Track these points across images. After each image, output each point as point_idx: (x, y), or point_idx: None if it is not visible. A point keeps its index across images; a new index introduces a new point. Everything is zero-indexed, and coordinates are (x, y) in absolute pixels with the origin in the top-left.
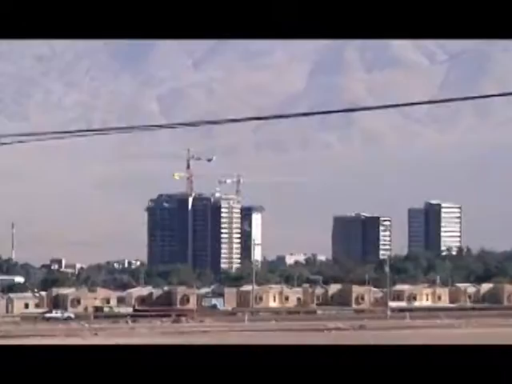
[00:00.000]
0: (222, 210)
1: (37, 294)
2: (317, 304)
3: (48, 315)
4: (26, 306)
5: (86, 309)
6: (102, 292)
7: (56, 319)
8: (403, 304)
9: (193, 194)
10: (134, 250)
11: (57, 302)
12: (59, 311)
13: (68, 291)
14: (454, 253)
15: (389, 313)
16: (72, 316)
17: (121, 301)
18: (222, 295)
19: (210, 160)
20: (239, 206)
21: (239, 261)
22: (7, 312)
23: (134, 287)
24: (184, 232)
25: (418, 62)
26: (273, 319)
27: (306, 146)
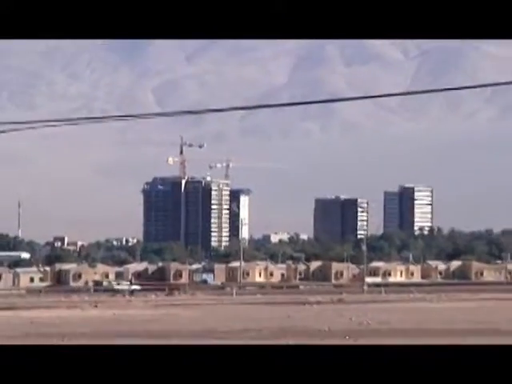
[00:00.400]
0: (213, 192)
1: (41, 269)
2: (299, 279)
3: (116, 287)
4: (32, 279)
5: (86, 283)
6: (101, 267)
7: (120, 291)
8: (378, 280)
9: (185, 178)
10: (131, 228)
11: (59, 277)
12: (126, 284)
13: (70, 266)
14: (425, 232)
15: (365, 288)
16: (138, 288)
17: (119, 275)
18: (212, 271)
19: (201, 146)
20: (228, 188)
21: (228, 239)
22: (14, 285)
23: (130, 263)
24: (177, 212)
25: (393, 56)
26: (259, 293)
27: (289, 134)
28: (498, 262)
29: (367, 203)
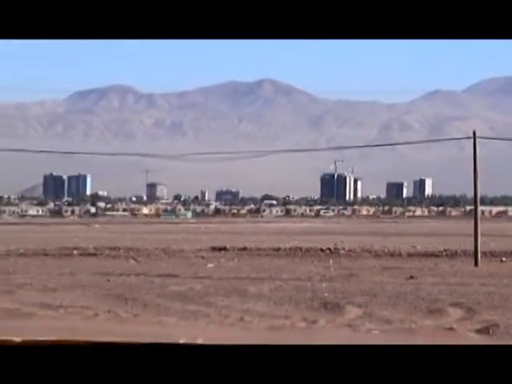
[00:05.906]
0: (347, 179)
1: (288, 208)
2: (380, 213)
3: (307, 215)
4: (277, 212)
5: (298, 213)
6: (304, 207)
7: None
8: (411, 214)
9: (336, 173)
10: (315, 193)
11: (288, 211)
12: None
13: (292, 207)
14: (430, 196)
15: (405, 217)
16: (328, 214)
17: (310, 211)
18: (346, 209)
19: (342, 161)
20: (353, 178)
21: (353, 197)
22: (269, 214)
23: (313, 206)
24: (332, 189)
25: (415, 126)
26: (364, 218)
27: (376, 157)
28: (457, 208)
29: (407, 184)
